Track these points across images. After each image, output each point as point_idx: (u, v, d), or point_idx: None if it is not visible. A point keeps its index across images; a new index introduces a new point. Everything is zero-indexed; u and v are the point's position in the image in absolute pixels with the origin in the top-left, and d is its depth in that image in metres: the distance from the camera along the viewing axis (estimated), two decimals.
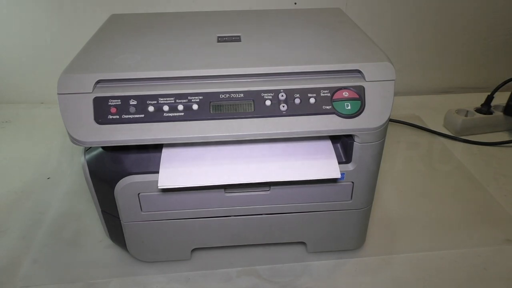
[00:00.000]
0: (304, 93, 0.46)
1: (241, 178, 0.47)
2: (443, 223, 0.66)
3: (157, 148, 0.49)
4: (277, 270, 0.57)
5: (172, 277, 0.56)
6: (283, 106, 0.46)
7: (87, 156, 0.50)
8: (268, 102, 0.46)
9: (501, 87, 0.87)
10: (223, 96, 0.46)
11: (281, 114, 0.46)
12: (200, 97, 0.46)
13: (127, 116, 0.45)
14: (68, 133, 0.44)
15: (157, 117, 0.45)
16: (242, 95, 0.46)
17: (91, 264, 0.59)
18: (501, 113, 0.89)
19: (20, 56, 1.00)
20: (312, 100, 0.46)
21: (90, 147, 0.51)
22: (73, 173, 0.78)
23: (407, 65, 1.06)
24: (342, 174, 0.50)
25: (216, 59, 0.49)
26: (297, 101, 0.46)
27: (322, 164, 0.48)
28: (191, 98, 0.46)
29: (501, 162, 0.81)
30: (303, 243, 0.59)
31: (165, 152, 0.49)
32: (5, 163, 0.83)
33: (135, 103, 0.45)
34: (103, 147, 0.50)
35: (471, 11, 1.01)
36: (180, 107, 0.45)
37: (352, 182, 0.51)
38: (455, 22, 1.02)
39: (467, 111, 0.91)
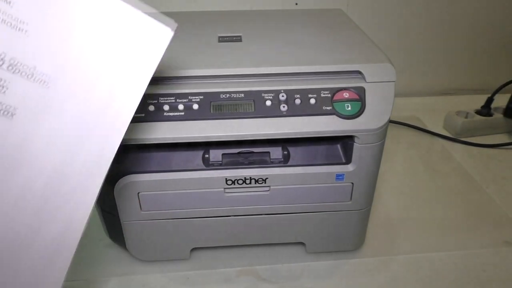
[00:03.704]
0: (304, 93, 0.46)
1: None
2: (442, 224, 0.66)
3: (157, 147, 0.49)
4: (276, 270, 0.57)
5: (172, 276, 0.56)
6: (284, 107, 0.46)
7: None
8: (268, 102, 0.46)
9: (501, 89, 0.87)
10: (223, 96, 0.46)
11: (281, 115, 0.46)
12: (201, 97, 0.46)
13: None
14: None
15: (157, 116, 0.45)
16: (242, 95, 0.46)
17: (91, 262, 0.59)
18: (501, 115, 0.89)
19: None
20: (312, 101, 0.46)
21: None
22: None
23: (408, 67, 1.06)
24: (342, 174, 0.50)
25: (217, 59, 0.49)
26: (298, 101, 0.46)
27: None
28: (191, 97, 0.46)
29: (500, 164, 0.81)
30: (302, 243, 0.59)
31: None
32: None
33: None
34: None
35: (472, 13, 1.01)
36: (181, 107, 0.45)
37: (352, 183, 0.51)
38: (456, 24, 1.02)
39: (467, 113, 0.90)
